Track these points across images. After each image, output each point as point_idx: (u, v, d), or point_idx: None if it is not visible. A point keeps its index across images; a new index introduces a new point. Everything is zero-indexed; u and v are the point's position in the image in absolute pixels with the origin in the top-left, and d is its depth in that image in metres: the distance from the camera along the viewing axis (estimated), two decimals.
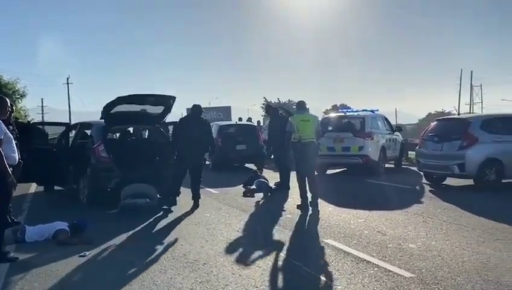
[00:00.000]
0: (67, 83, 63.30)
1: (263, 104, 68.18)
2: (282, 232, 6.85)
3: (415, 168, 13.72)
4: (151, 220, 7.84)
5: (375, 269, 4.95)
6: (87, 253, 5.77)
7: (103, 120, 9.37)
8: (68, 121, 21.89)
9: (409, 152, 17.22)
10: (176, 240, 6.43)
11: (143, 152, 9.90)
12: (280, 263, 5.37)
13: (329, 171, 14.37)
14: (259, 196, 9.96)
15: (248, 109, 64.92)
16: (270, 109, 12.25)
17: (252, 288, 4.50)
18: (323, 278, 4.78)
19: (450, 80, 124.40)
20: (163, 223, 7.72)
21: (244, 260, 5.42)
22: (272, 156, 12.43)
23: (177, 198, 9.00)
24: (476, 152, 10.22)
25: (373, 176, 12.84)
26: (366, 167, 13.43)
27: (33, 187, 12.00)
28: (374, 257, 5.40)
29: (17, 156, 5.67)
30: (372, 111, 14.70)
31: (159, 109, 9.74)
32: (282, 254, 5.69)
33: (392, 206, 8.50)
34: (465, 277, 4.62)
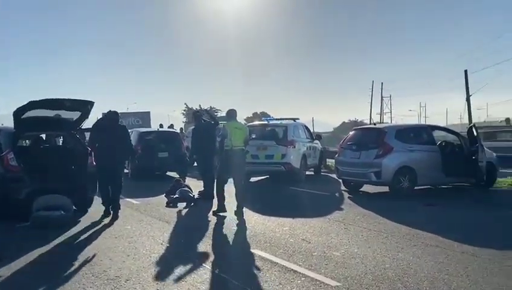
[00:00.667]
0: None
1: (184, 110, 67.51)
2: (208, 243, 6.70)
3: (333, 175, 14.20)
4: (66, 234, 7.31)
5: (303, 278, 4.97)
6: None
7: (13, 126, 8.69)
8: None
9: (327, 159, 17.84)
10: (94, 255, 6.02)
11: (57, 160, 9.30)
12: (207, 276, 5.21)
13: (252, 179, 14.42)
14: (182, 205, 9.71)
15: (168, 115, 63.89)
16: (194, 115, 12.03)
17: None
18: None
19: (363, 90, 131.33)
20: (80, 237, 7.24)
21: (169, 275, 5.20)
22: (196, 164, 12.20)
23: (89, 209, 8.71)
24: (391, 160, 10.77)
25: (295, 184, 13.07)
26: (289, 175, 13.67)
27: None
28: (301, 265, 5.43)
29: None
30: (294, 120, 15.04)
31: (75, 115, 9.20)
32: (209, 267, 5.55)
33: (314, 213, 8.68)
34: (388, 284, 4.78)
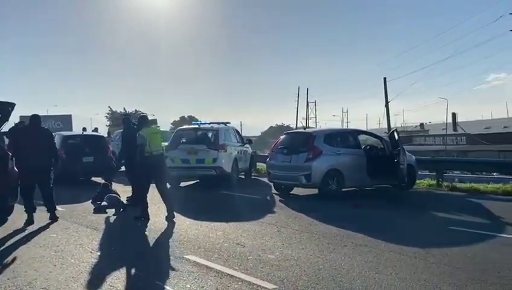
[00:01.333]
0: None
1: (108, 113, 65.33)
2: (140, 250, 6.51)
3: (264, 179, 14.36)
4: None
5: (239, 283, 4.97)
6: None
7: None
8: None
9: (257, 163, 18.02)
10: (17, 266, 5.64)
11: None
12: (141, 284, 5.06)
13: (182, 184, 14.23)
14: (111, 212, 9.35)
15: (91, 118, 61.30)
16: (124, 118, 11.66)
17: None
18: None
19: (289, 96, 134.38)
20: (0, 246, 6.75)
21: (100, 284, 4.97)
22: (123, 168, 11.79)
23: (9, 217, 8.20)
24: (320, 164, 11.10)
25: (227, 188, 13.06)
26: (220, 179, 13.64)
27: None
28: (237, 270, 5.42)
29: None
30: (225, 124, 15.05)
31: None
32: (142, 274, 5.38)
33: (247, 217, 8.73)
34: (323, 284, 4.90)
